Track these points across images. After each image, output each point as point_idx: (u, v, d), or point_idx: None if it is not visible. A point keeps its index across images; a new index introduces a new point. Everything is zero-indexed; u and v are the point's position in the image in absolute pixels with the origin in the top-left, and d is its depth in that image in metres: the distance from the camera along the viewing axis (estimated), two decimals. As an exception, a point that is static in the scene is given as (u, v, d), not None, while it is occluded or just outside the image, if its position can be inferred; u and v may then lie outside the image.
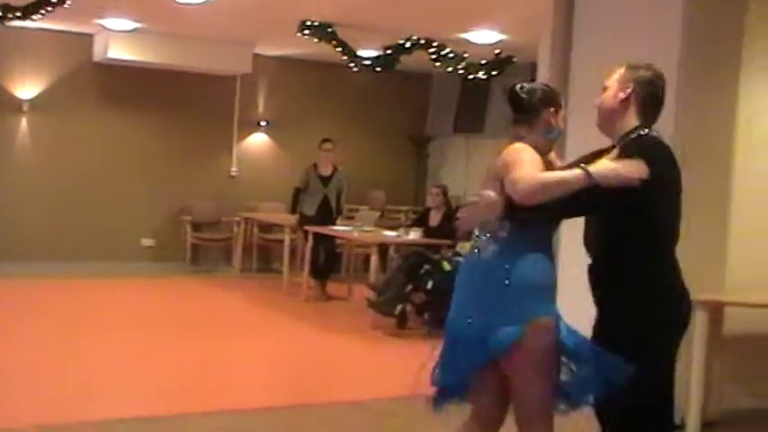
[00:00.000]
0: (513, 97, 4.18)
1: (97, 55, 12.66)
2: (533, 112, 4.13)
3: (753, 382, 6.67)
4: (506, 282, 3.89)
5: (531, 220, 3.84)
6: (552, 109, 4.12)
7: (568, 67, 7.45)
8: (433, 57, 10.93)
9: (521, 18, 9.12)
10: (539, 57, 7.64)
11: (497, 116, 13.49)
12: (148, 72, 12.91)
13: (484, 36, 10.63)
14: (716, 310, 6.16)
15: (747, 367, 6.67)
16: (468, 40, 10.79)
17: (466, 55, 11.04)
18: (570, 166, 3.86)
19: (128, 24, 11.49)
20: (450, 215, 10.54)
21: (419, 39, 10.73)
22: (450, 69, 11.22)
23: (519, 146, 3.93)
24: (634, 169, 3.57)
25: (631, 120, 3.88)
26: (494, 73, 11.38)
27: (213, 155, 13.96)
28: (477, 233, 4.12)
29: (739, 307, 6.37)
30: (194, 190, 13.61)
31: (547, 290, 4.00)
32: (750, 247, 6.64)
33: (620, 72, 4.03)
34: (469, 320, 4.02)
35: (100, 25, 11.68)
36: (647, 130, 3.84)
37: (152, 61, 12.53)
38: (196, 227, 13.50)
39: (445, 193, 10.90)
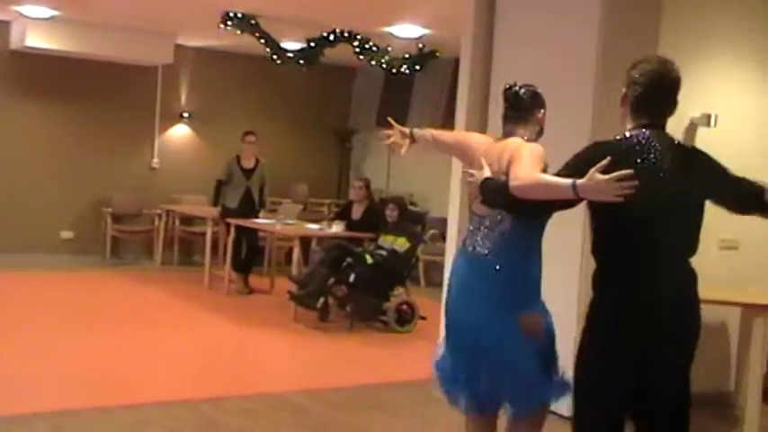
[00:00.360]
0: (515, 97, 4.51)
1: (14, 43, 12.41)
2: (530, 111, 4.51)
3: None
4: (502, 274, 4.16)
5: (532, 216, 4.09)
6: (543, 110, 4.55)
7: (490, 61, 7.46)
8: (357, 50, 10.94)
9: (443, 13, 9.13)
10: (461, 51, 7.63)
11: (421, 110, 13.54)
12: (68, 61, 12.69)
13: (407, 30, 10.62)
14: None
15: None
16: (392, 34, 10.78)
17: (389, 49, 11.07)
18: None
19: (46, 12, 11.24)
20: (372, 209, 10.53)
21: (343, 32, 10.73)
22: (373, 63, 11.24)
23: (537, 146, 4.22)
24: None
25: (627, 122, 3.91)
26: (417, 67, 11.45)
27: (134, 146, 13.78)
28: (470, 227, 4.42)
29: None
30: (115, 182, 13.43)
31: (539, 284, 4.28)
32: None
33: None
34: (467, 311, 4.29)
35: (17, 12, 11.42)
36: (625, 134, 3.86)
37: (71, 50, 12.30)
38: (116, 219, 13.29)
39: (368, 187, 10.89)
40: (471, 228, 4.41)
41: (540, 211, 3.98)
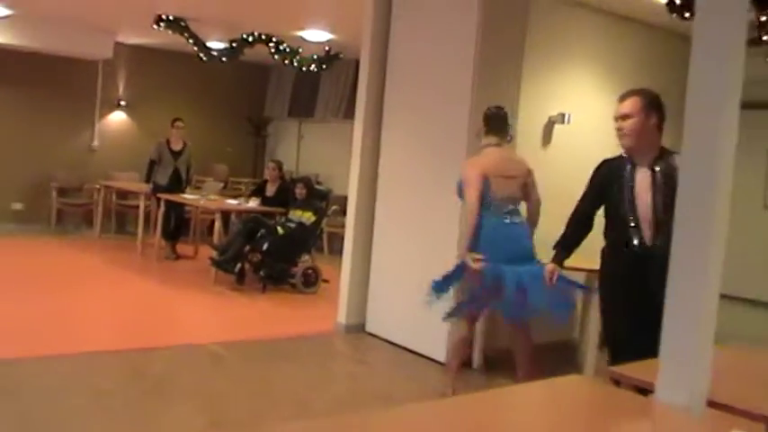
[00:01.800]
0: (498, 116, 5.48)
1: (-30, 39, 12.02)
2: (506, 126, 5.49)
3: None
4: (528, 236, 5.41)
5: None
6: (510, 124, 5.61)
7: (385, 60, 7.51)
8: (272, 50, 10.88)
9: (346, 21, 9.13)
10: (361, 54, 7.65)
11: (326, 102, 13.54)
12: (20, 54, 12.33)
13: (316, 35, 10.59)
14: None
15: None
16: (302, 38, 10.73)
17: (300, 50, 11.04)
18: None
19: (2, 11, 10.91)
20: (284, 187, 10.51)
21: (261, 34, 10.67)
22: (286, 62, 11.19)
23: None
24: None
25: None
26: (323, 66, 11.45)
27: (77, 129, 13.49)
28: (504, 210, 5.29)
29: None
30: (60, 160, 13.13)
31: None
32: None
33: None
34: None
35: (-26, 11, 11.08)
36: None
37: (24, 44, 11.94)
38: (61, 193, 13.02)
39: (280, 168, 10.84)
40: (504, 209, 5.34)
41: None
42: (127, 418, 4.89)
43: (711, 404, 2.72)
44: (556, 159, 7.11)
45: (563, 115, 7.20)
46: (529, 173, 5.48)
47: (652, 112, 4.10)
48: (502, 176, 5.34)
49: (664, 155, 4.20)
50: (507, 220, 5.31)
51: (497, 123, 5.49)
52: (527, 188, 5.45)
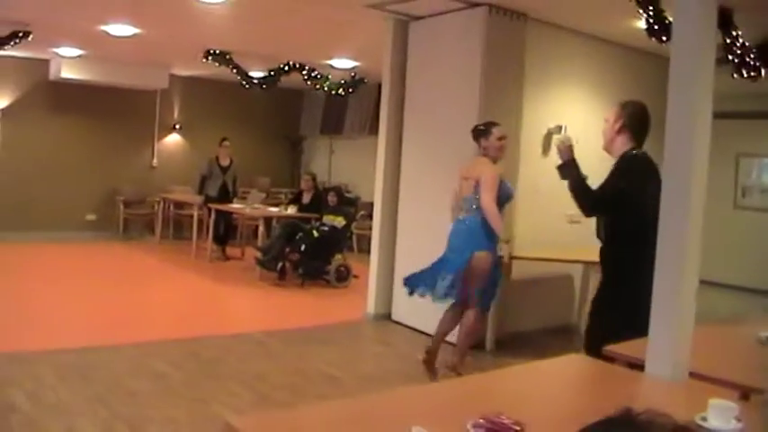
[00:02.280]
0: (474, 131, 5.55)
1: (52, 75, 12.16)
2: (477, 139, 5.49)
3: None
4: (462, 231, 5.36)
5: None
6: (483, 136, 5.51)
7: (404, 84, 7.53)
8: (305, 77, 10.90)
9: (369, 50, 9.12)
10: (383, 79, 7.67)
11: (352, 122, 13.56)
12: (91, 88, 12.44)
13: (343, 63, 10.61)
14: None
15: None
16: (331, 65, 10.76)
17: (330, 76, 11.06)
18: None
19: (75, 52, 11.14)
20: (317, 195, 10.54)
21: (295, 63, 10.69)
22: (317, 87, 11.22)
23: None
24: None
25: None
26: (350, 90, 11.44)
27: (139, 150, 13.59)
28: (463, 207, 5.38)
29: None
30: (125, 176, 13.25)
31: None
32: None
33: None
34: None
35: (55, 53, 11.30)
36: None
37: (94, 79, 12.06)
38: (126, 205, 13.11)
39: (314, 179, 10.87)
40: (463, 206, 5.41)
41: None
42: (185, 397, 4.93)
43: (693, 375, 2.72)
44: (554, 165, 7.08)
45: (559, 127, 7.18)
46: (480, 175, 5.31)
47: (620, 119, 4.03)
48: (463, 178, 5.47)
49: (624, 157, 3.99)
50: (460, 217, 5.45)
51: (473, 136, 5.56)
52: (477, 189, 5.31)
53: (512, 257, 6.46)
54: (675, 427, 0.90)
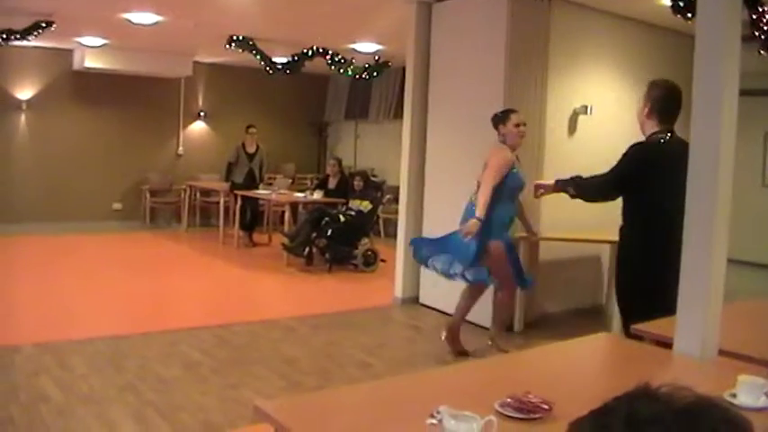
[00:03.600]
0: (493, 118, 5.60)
1: (76, 65, 12.27)
2: (496, 126, 5.53)
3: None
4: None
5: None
6: (501, 122, 5.57)
7: (428, 66, 7.53)
8: (329, 62, 10.90)
9: (393, 33, 9.12)
10: (407, 63, 7.68)
11: (377, 106, 13.56)
12: (115, 77, 12.53)
13: (367, 47, 10.61)
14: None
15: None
16: (355, 50, 10.76)
17: (354, 61, 11.05)
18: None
19: (99, 41, 11.19)
20: (343, 180, 10.58)
21: (318, 48, 10.68)
22: (341, 72, 11.21)
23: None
24: None
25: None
26: (374, 74, 11.44)
27: (165, 138, 13.67)
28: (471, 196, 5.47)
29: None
30: (151, 165, 13.35)
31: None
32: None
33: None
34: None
35: (78, 42, 11.36)
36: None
37: (117, 68, 12.15)
38: (153, 193, 13.22)
39: (340, 164, 10.93)
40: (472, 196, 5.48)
41: None
42: (215, 384, 5.00)
43: (722, 353, 2.74)
44: (581, 145, 7.09)
45: (586, 107, 7.17)
46: (488, 161, 5.48)
47: (647, 103, 4.03)
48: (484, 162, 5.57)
49: (636, 144, 4.05)
50: (472, 199, 5.58)
51: (493, 123, 5.64)
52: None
53: (540, 239, 6.47)
54: (697, 398, 0.92)
